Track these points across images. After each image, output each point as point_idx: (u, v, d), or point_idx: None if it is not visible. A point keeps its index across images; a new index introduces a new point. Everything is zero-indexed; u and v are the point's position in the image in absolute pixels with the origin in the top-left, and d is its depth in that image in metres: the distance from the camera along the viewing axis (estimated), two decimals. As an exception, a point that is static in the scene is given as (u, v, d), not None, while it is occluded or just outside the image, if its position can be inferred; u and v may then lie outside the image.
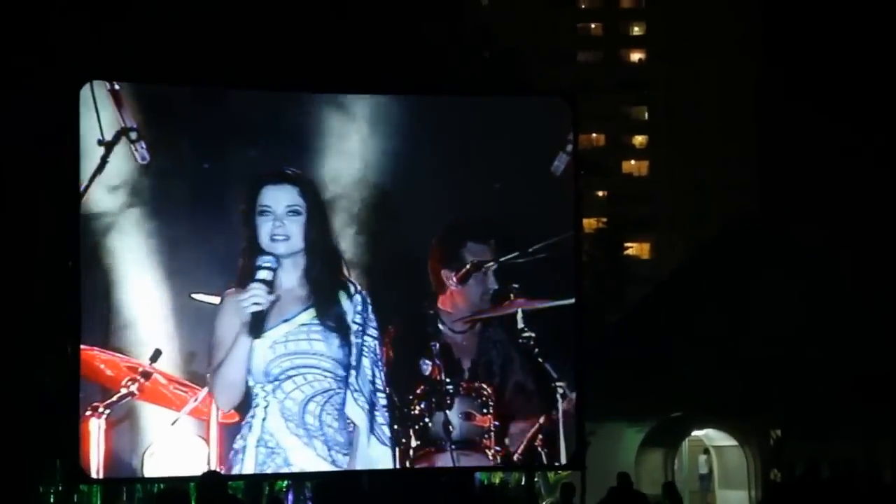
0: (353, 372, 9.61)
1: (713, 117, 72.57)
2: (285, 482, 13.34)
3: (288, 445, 9.45)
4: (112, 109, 9.41)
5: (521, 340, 9.97)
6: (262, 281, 9.33)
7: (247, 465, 9.49)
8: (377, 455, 10.00)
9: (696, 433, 26.88)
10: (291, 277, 9.63)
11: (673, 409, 25.70)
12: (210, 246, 9.91)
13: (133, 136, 9.57)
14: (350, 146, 10.77)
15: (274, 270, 9.52)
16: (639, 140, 78.81)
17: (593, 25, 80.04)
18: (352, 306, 9.76)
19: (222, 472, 9.46)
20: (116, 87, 9.48)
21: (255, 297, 9.34)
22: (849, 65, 35.38)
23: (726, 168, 69.91)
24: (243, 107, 10.96)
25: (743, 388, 25.01)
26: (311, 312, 9.67)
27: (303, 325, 9.63)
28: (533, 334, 9.95)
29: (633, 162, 78.25)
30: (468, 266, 9.90)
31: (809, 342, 25.43)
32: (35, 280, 17.41)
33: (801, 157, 37.85)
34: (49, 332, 17.05)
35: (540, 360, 9.98)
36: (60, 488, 16.17)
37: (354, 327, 9.69)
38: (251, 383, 9.53)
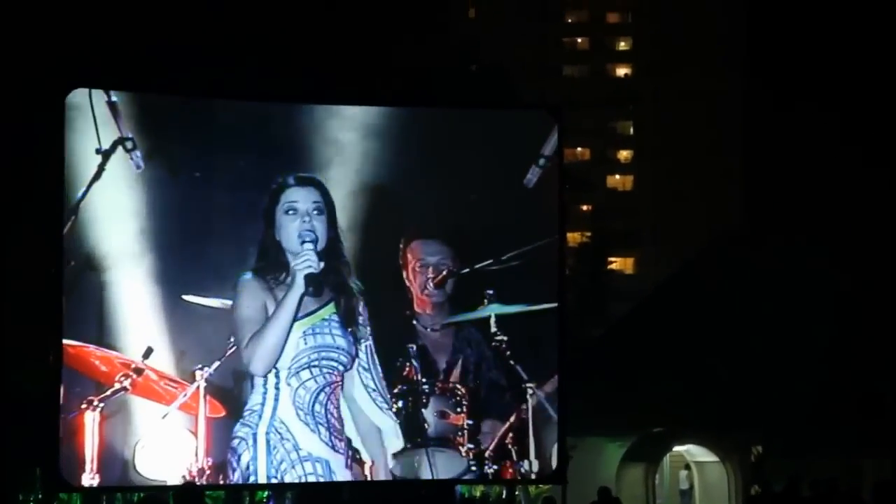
0: (355, 365, 10.42)
1: (699, 133, 72.67)
2: (265, 493, 13.23)
3: (297, 431, 9.94)
4: (109, 119, 9.78)
5: (493, 343, 10.46)
6: (310, 248, 9.76)
7: (259, 453, 9.84)
8: (387, 440, 10.67)
9: (677, 448, 26.89)
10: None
11: (654, 424, 25.72)
12: (200, 249, 10.30)
13: (129, 145, 10.03)
14: (340, 156, 11.17)
15: (314, 243, 10.01)
16: (624, 155, 78.89)
17: (580, 40, 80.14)
18: (358, 306, 10.46)
19: (209, 463, 9.93)
20: (114, 98, 9.90)
21: (306, 259, 9.80)
22: (836, 80, 35.45)
23: (711, 184, 70.00)
24: (232, 117, 11.32)
25: (724, 404, 25.03)
26: (331, 308, 10.22)
27: (324, 319, 10.23)
28: (505, 338, 10.46)
29: (618, 177, 78.31)
30: (444, 272, 10.36)
31: (792, 358, 25.47)
32: (14, 286, 17.37)
33: (787, 174, 37.92)
34: (29, 339, 17.02)
35: (511, 361, 10.52)
36: (40, 496, 16.10)
37: (360, 327, 10.36)
38: (275, 366, 10.01)
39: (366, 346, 10.36)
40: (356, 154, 11.01)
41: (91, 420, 9.39)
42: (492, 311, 10.44)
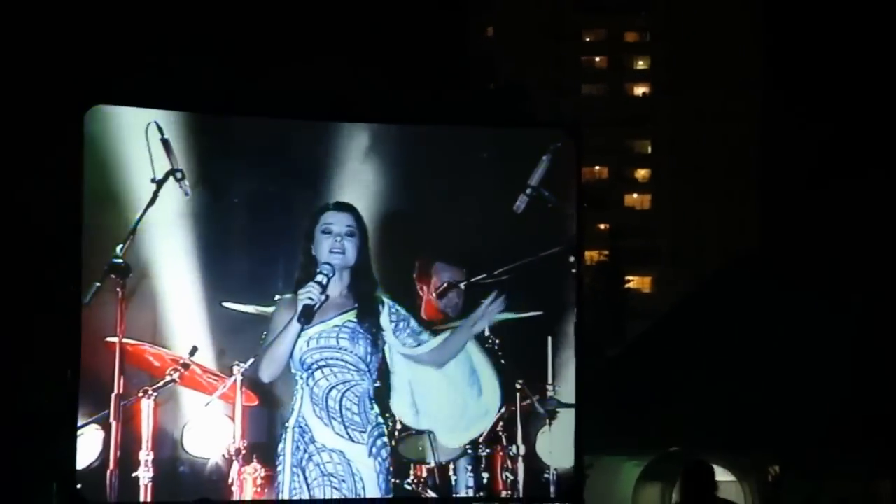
0: (374, 367, 11.73)
1: (716, 153, 72.73)
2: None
3: (314, 425, 11.38)
4: (162, 154, 11.49)
5: (486, 345, 11.90)
6: (318, 283, 11.46)
7: (287, 443, 11.42)
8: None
9: (694, 468, 26.82)
10: (336, 288, 11.60)
11: (671, 444, 25.67)
12: (236, 264, 11.83)
13: (178, 175, 11.56)
14: (364, 176, 12.28)
15: (329, 277, 11.53)
16: (641, 174, 78.96)
17: (598, 59, 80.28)
18: (385, 316, 11.80)
19: (244, 445, 11.38)
20: (166, 136, 11.54)
21: (309, 293, 11.41)
22: (856, 101, 35.44)
23: (729, 204, 70.04)
24: (263, 145, 12.43)
25: (741, 424, 24.97)
26: (345, 317, 11.60)
27: (335, 326, 11.56)
28: (497, 340, 11.88)
29: (635, 195, 78.37)
30: (445, 285, 11.88)
31: (810, 379, 25.41)
32: (36, 303, 17.48)
33: (804, 194, 37.89)
34: (47, 356, 17.11)
35: (502, 361, 11.88)
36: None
37: (382, 332, 11.78)
38: (293, 370, 11.59)
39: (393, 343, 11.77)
40: (380, 183, 12.16)
41: (146, 406, 11.11)
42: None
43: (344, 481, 11.33)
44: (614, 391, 26.15)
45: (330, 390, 11.44)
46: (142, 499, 11.23)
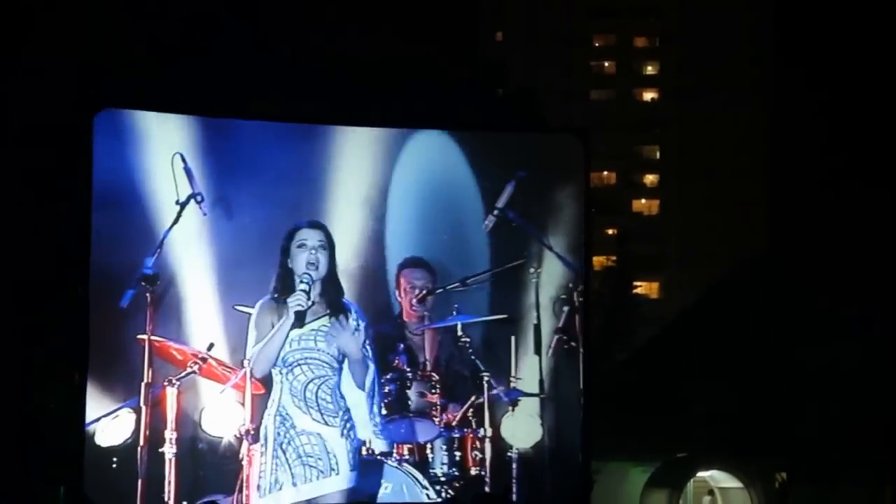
0: (345, 364, 13.57)
1: (725, 158, 72.61)
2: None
3: (293, 414, 13.23)
4: (184, 179, 13.33)
5: (459, 343, 13.77)
6: (303, 291, 13.26)
7: (269, 429, 13.27)
8: (361, 414, 13.78)
9: (701, 474, 26.79)
10: (313, 296, 13.39)
11: (678, 450, 25.67)
12: (245, 272, 13.68)
13: (199, 198, 13.42)
14: (347, 204, 14.14)
15: (309, 285, 13.33)
16: (650, 179, 78.83)
17: (607, 64, 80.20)
18: (349, 319, 13.62)
19: (252, 428, 13.24)
20: (189, 164, 13.40)
21: (298, 301, 13.22)
22: (865, 105, 35.44)
23: (737, 209, 69.93)
24: (269, 172, 14.17)
25: (749, 430, 24.96)
26: (321, 322, 13.44)
27: (312, 329, 13.39)
28: (468, 339, 13.75)
29: (643, 201, 78.24)
30: (424, 291, 13.85)
31: (817, 384, 25.39)
32: (45, 308, 17.56)
33: (813, 199, 37.89)
34: (55, 360, 17.15)
35: (472, 357, 13.79)
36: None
37: (353, 333, 13.56)
38: (275, 369, 13.36)
39: (364, 346, 13.50)
40: (359, 202, 14.14)
41: (171, 393, 13.00)
42: (458, 320, 13.83)
43: (320, 459, 13.13)
44: (622, 397, 26.15)
45: (308, 384, 13.26)
46: (167, 471, 12.96)
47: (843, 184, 35.00)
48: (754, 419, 25.07)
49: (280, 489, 12.88)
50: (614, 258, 51.93)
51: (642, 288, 62.64)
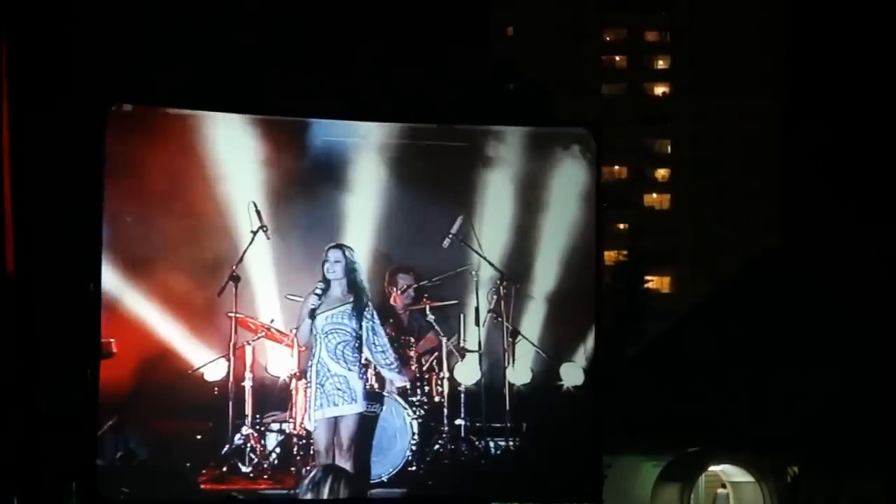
0: (362, 332, 18.13)
1: (737, 152, 72.60)
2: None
3: (328, 363, 17.81)
4: (254, 214, 17.61)
5: (427, 319, 18.36)
6: (316, 294, 17.79)
7: (312, 375, 17.74)
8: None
9: (712, 468, 26.83)
10: (337, 290, 17.91)
11: (690, 444, 25.69)
12: (295, 275, 18.01)
13: (265, 228, 17.58)
14: (356, 224, 18.26)
15: (323, 290, 17.86)
16: (661, 173, 78.84)
17: (618, 58, 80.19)
18: (369, 306, 18.11)
19: (299, 370, 17.67)
20: (258, 207, 17.68)
21: (311, 301, 17.80)
22: (876, 100, 35.41)
23: (749, 203, 69.91)
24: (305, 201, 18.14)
25: (761, 424, 24.99)
26: (346, 306, 18.06)
27: (341, 311, 17.99)
28: (433, 316, 18.30)
29: (655, 195, 78.26)
30: (405, 287, 18.30)
31: (829, 378, 25.42)
32: (53, 301, 17.74)
33: (824, 193, 37.86)
34: (67, 353, 17.31)
35: (437, 327, 18.28)
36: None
37: (366, 315, 18.15)
38: (314, 333, 17.93)
39: (371, 325, 18.18)
40: (363, 219, 18.32)
41: (248, 350, 17.60)
42: (427, 303, 18.27)
43: (345, 392, 17.79)
44: (634, 391, 26.22)
45: (338, 344, 17.99)
46: (246, 396, 17.51)
47: (856, 177, 34.98)
48: (766, 414, 25.09)
49: (318, 409, 17.71)
50: (626, 253, 51.93)
51: (654, 282, 62.58)
